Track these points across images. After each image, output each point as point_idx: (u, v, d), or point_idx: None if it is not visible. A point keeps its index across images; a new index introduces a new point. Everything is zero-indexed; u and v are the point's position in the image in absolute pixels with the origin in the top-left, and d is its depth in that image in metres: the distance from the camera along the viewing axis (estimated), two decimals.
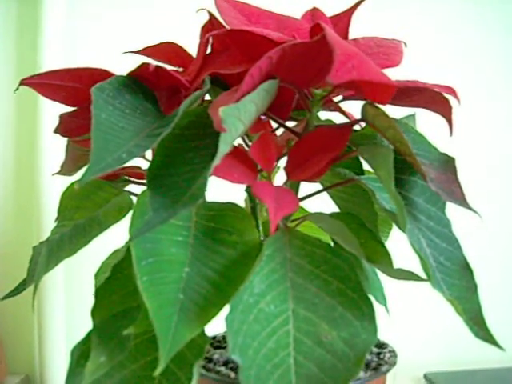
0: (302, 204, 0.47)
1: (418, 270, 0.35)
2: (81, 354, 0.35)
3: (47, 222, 0.65)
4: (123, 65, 0.40)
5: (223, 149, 0.30)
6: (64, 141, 0.46)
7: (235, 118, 0.30)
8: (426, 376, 0.69)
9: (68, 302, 0.70)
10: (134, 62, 0.38)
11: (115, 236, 0.47)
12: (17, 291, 0.43)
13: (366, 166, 0.46)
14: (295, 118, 0.43)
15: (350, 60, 0.31)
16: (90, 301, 0.37)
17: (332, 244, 0.41)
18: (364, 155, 0.35)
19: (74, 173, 0.45)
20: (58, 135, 0.57)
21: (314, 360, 0.32)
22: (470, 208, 0.34)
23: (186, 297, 0.32)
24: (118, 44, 0.73)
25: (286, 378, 0.31)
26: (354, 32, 0.43)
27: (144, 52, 0.45)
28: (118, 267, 0.36)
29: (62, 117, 0.38)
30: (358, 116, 0.40)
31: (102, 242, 0.55)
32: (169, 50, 0.44)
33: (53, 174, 0.47)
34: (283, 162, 0.40)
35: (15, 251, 0.71)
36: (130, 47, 0.44)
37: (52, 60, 0.70)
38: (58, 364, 0.69)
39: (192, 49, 0.44)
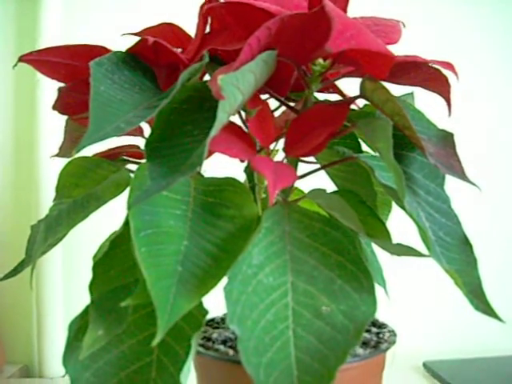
0: (300, 186, 0.47)
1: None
2: (78, 329, 0.35)
3: (46, 205, 0.64)
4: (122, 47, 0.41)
5: (222, 117, 0.30)
6: (63, 123, 0.46)
7: (234, 87, 0.30)
8: (425, 364, 0.68)
9: (67, 290, 0.70)
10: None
11: (114, 219, 0.46)
12: (15, 272, 0.43)
13: (364, 148, 0.46)
14: (294, 99, 0.43)
15: (349, 29, 0.31)
16: (87, 279, 0.37)
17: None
18: (362, 129, 0.35)
19: (73, 155, 0.45)
20: (56, 117, 0.57)
21: (313, 332, 0.32)
22: (469, 181, 0.34)
23: (185, 269, 0.31)
24: (117, 34, 0.74)
25: (285, 350, 0.31)
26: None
27: (142, 33, 0.45)
28: (117, 241, 0.36)
29: (61, 90, 0.38)
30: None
31: (100, 224, 0.55)
32: (167, 31, 0.44)
33: (51, 157, 0.46)
34: (281, 144, 0.40)
35: (14, 234, 0.70)
36: (129, 38, 0.44)
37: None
38: (56, 353, 0.69)
39: (191, 31, 0.44)
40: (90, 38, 0.73)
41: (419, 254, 0.34)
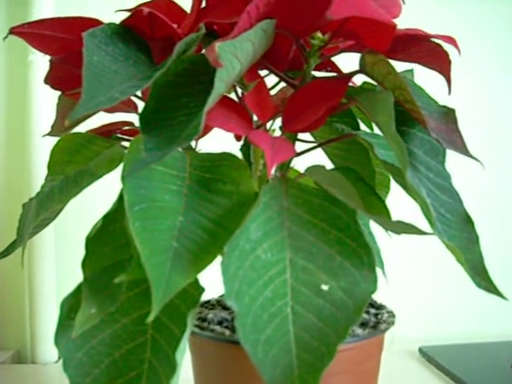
0: (297, 165, 0.47)
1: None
2: (71, 307, 0.34)
3: (38, 185, 0.63)
4: None
5: (219, 86, 0.29)
6: (55, 101, 0.45)
7: (231, 55, 0.29)
8: (420, 350, 0.68)
9: (59, 273, 0.69)
10: None
11: (108, 198, 0.46)
12: (7, 252, 0.42)
13: (362, 127, 0.45)
14: (292, 77, 0.42)
15: None
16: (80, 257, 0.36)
17: None
18: (362, 103, 0.34)
19: (66, 125, 0.44)
20: (49, 94, 0.56)
21: (312, 310, 0.31)
22: (471, 156, 0.33)
23: (180, 244, 0.31)
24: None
25: (284, 327, 0.30)
26: None
27: (137, 8, 0.44)
28: (110, 217, 0.35)
29: (53, 62, 0.37)
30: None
31: (94, 203, 0.54)
32: (163, 6, 0.43)
33: (43, 136, 0.45)
34: (278, 123, 0.39)
35: (6, 215, 0.69)
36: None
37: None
38: (49, 339, 0.68)
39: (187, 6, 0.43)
40: None
41: (420, 232, 0.33)
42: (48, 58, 0.39)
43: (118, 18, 0.38)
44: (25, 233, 0.36)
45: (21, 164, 0.67)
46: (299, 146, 0.41)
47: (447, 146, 0.33)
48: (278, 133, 0.40)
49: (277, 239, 0.32)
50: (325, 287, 0.32)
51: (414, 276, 0.77)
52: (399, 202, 0.48)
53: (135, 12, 0.36)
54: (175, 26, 0.42)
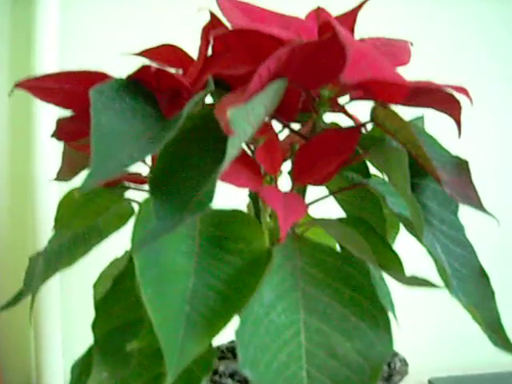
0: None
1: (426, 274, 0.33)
2: (81, 371, 0.34)
3: (42, 230, 0.63)
4: (120, 66, 0.38)
5: (231, 153, 0.28)
6: (60, 146, 0.44)
7: (244, 121, 0.29)
8: (430, 381, 0.67)
9: (65, 312, 0.68)
10: (131, 64, 0.36)
11: (114, 244, 0.45)
12: (13, 302, 0.41)
13: (372, 169, 0.45)
14: (300, 120, 0.42)
15: (364, 58, 0.29)
16: (87, 310, 0.35)
17: (339, 249, 0.40)
18: (375, 158, 0.34)
19: (72, 178, 0.44)
20: (54, 140, 0.55)
21: (327, 373, 0.30)
22: (486, 212, 0.33)
23: (193, 309, 0.30)
24: (115, 43, 0.72)
25: None
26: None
27: (143, 54, 0.43)
28: (120, 278, 0.34)
29: (60, 122, 0.36)
30: (363, 119, 0.38)
31: (100, 249, 0.54)
32: (168, 52, 0.42)
33: (50, 180, 0.45)
34: (286, 166, 0.39)
35: (10, 259, 0.68)
36: (127, 47, 0.42)
37: (47, 61, 0.68)
38: (55, 375, 0.67)
39: (192, 50, 0.43)
40: (86, 38, 0.71)
41: (435, 286, 0.33)
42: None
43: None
44: (33, 288, 0.36)
45: (25, 208, 0.67)
46: (309, 192, 0.40)
47: (462, 201, 0.33)
48: (285, 175, 0.39)
49: (291, 300, 0.32)
50: (340, 349, 0.31)
51: (423, 306, 0.76)
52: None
53: (142, 68, 0.35)
54: (181, 74, 0.42)
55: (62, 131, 0.37)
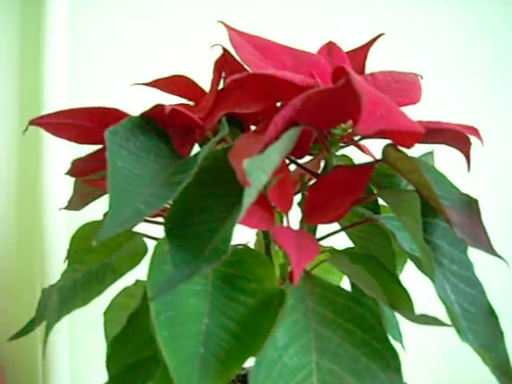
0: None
1: (431, 302, 0.33)
2: None
3: (51, 259, 0.62)
4: (128, 71, 0.38)
5: (247, 203, 0.29)
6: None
7: (260, 171, 0.29)
8: None
9: (73, 342, 0.67)
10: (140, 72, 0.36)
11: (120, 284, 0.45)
12: (24, 332, 0.42)
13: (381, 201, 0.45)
14: (310, 152, 0.42)
15: (378, 108, 0.30)
16: (96, 340, 0.36)
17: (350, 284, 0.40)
18: (387, 199, 0.34)
19: (82, 208, 0.44)
20: (62, 169, 0.56)
21: None
22: (496, 255, 0.33)
23: (207, 351, 0.31)
24: (125, 54, 0.72)
25: None
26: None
27: (154, 84, 0.44)
28: (134, 316, 0.35)
29: (75, 162, 0.37)
30: (374, 151, 0.39)
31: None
32: (180, 84, 0.43)
33: (60, 209, 0.45)
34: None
35: (18, 288, 0.68)
36: (135, 56, 0.42)
37: (56, 65, 0.68)
38: None
39: (203, 79, 0.43)
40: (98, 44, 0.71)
41: (442, 324, 0.33)
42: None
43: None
44: (46, 329, 0.36)
45: (32, 237, 0.66)
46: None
47: (472, 244, 0.33)
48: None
49: (303, 342, 0.32)
50: None
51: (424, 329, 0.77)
52: None
53: (156, 107, 0.35)
54: (193, 105, 0.42)
55: (75, 170, 0.37)
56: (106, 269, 0.35)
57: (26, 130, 0.36)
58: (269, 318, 0.33)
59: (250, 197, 0.29)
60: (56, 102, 0.70)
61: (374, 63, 0.44)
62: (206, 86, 0.42)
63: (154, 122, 0.37)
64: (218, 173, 0.34)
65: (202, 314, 0.32)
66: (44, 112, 0.68)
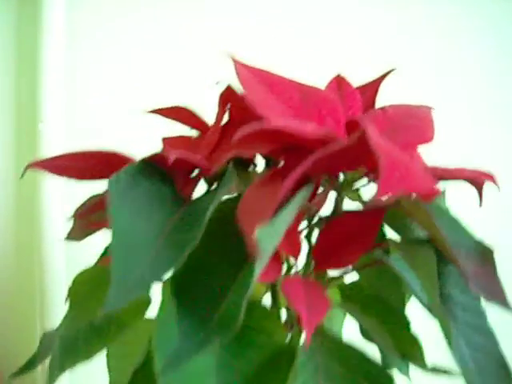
0: None
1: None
2: None
3: (50, 293, 0.61)
4: (125, 69, 0.35)
5: (258, 272, 0.27)
6: (66, 206, 0.43)
7: (271, 237, 0.28)
8: None
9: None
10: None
11: None
12: (24, 370, 0.41)
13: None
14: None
15: (397, 169, 0.28)
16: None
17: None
18: (401, 251, 0.33)
19: (83, 238, 0.43)
20: (60, 199, 0.54)
21: None
22: (511, 309, 0.32)
23: None
24: (122, 55, 0.70)
25: None
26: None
27: (156, 112, 0.42)
28: (140, 368, 0.34)
29: (76, 217, 0.35)
30: None
31: None
32: (182, 114, 0.41)
33: (61, 240, 0.44)
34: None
35: (17, 322, 0.65)
36: (134, 57, 0.39)
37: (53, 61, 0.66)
38: None
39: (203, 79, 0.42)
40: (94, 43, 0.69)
41: (455, 375, 0.33)
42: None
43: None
44: (49, 377, 0.35)
45: (31, 271, 0.64)
46: None
47: (486, 298, 0.32)
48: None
49: None
50: None
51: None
52: None
53: (159, 155, 0.34)
54: (194, 131, 0.41)
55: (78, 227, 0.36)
56: (110, 322, 0.34)
57: (23, 175, 0.35)
58: (276, 372, 0.33)
59: (260, 266, 0.27)
60: (53, 103, 0.68)
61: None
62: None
63: (155, 165, 0.36)
64: (222, 224, 0.33)
65: (208, 374, 0.31)
66: (42, 111, 0.67)
